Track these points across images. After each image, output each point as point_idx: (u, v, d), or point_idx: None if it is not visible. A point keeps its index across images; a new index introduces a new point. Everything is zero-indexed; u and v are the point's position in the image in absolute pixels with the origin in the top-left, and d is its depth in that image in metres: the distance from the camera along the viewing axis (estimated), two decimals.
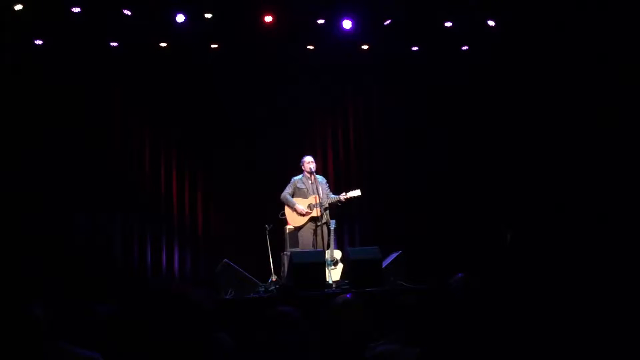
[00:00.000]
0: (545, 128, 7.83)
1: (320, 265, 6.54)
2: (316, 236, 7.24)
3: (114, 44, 7.81)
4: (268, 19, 7.74)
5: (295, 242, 7.37)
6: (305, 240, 7.29)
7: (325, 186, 7.55)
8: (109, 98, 8.12)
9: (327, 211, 7.33)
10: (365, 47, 8.44)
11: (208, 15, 7.56)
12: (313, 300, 5.62)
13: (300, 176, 7.50)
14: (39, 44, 7.52)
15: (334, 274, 7.01)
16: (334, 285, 6.77)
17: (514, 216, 7.68)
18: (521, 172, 8.00)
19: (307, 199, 7.34)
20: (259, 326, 2.49)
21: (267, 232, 7.33)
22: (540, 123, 7.89)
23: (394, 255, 7.04)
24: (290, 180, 7.50)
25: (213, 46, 8.13)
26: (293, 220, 7.37)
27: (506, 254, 7.04)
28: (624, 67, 7.08)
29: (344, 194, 7.35)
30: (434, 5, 7.75)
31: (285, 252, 7.28)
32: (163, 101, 8.30)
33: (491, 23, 7.97)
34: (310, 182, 7.39)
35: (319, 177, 7.51)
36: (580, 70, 7.44)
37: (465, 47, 8.45)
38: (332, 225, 7.20)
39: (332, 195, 7.43)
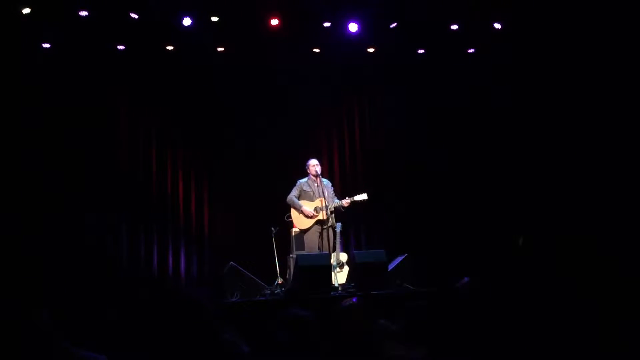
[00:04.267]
0: (555, 130, 7.79)
1: (326, 268, 6.53)
2: (322, 239, 7.23)
3: (120, 47, 7.85)
4: (274, 22, 7.76)
5: (301, 245, 7.37)
6: (311, 243, 7.29)
7: (331, 189, 7.55)
8: (115, 100, 8.15)
9: (333, 214, 7.33)
10: (371, 50, 8.45)
11: (214, 19, 7.59)
12: (319, 303, 5.62)
13: (305, 179, 7.51)
14: (46, 47, 7.56)
15: (339, 277, 7.01)
16: (339, 289, 6.76)
17: (525, 220, 7.63)
18: (531, 174, 7.96)
19: (313, 202, 7.35)
20: (270, 328, 2.50)
21: (272, 235, 7.33)
22: (549, 125, 7.86)
23: (400, 259, 7.03)
24: (296, 182, 7.52)
25: (219, 49, 8.16)
26: (299, 222, 7.37)
27: (518, 258, 7.01)
28: (632, 69, 7.06)
29: (347, 198, 7.34)
30: (439, 8, 7.75)
31: (291, 255, 7.28)
32: (170, 103, 8.32)
33: (497, 26, 7.96)
34: (316, 185, 7.39)
35: (325, 181, 7.51)
36: (588, 71, 7.42)
37: (471, 50, 8.45)
38: (338, 228, 7.20)
39: (337, 200, 7.42)
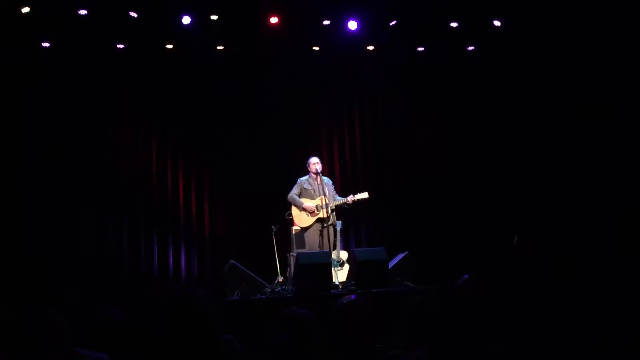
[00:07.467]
0: (552, 129, 7.78)
1: (326, 266, 6.54)
2: (322, 237, 7.24)
3: (120, 46, 7.84)
4: (274, 20, 7.76)
5: (301, 243, 7.37)
6: (312, 241, 7.30)
7: (331, 187, 7.55)
8: (115, 100, 8.14)
9: (334, 212, 7.33)
10: (370, 47, 8.44)
11: (214, 17, 7.59)
12: (320, 301, 5.62)
13: (306, 177, 7.51)
14: (45, 47, 7.56)
15: (340, 275, 7.01)
16: (340, 286, 6.76)
17: (521, 218, 7.63)
18: (528, 173, 7.96)
19: (313, 200, 7.35)
20: (271, 327, 2.49)
21: (273, 233, 7.34)
22: (547, 124, 7.85)
23: (400, 256, 7.03)
24: (297, 181, 7.52)
25: (219, 48, 8.15)
26: (300, 220, 7.38)
27: (513, 256, 7.00)
28: (630, 68, 7.04)
29: (351, 196, 7.34)
30: (439, 6, 7.74)
31: (291, 253, 7.28)
32: (169, 103, 8.32)
33: (497, 23, 7.96)
34: (316, 183, 7.39)
35: (325, 179, 7.50)
36: (586, 69, 7.41)
37: (470, 48, 8.44)
38: (339, 226, 7.20)
39: (339, 198, 7.42)
